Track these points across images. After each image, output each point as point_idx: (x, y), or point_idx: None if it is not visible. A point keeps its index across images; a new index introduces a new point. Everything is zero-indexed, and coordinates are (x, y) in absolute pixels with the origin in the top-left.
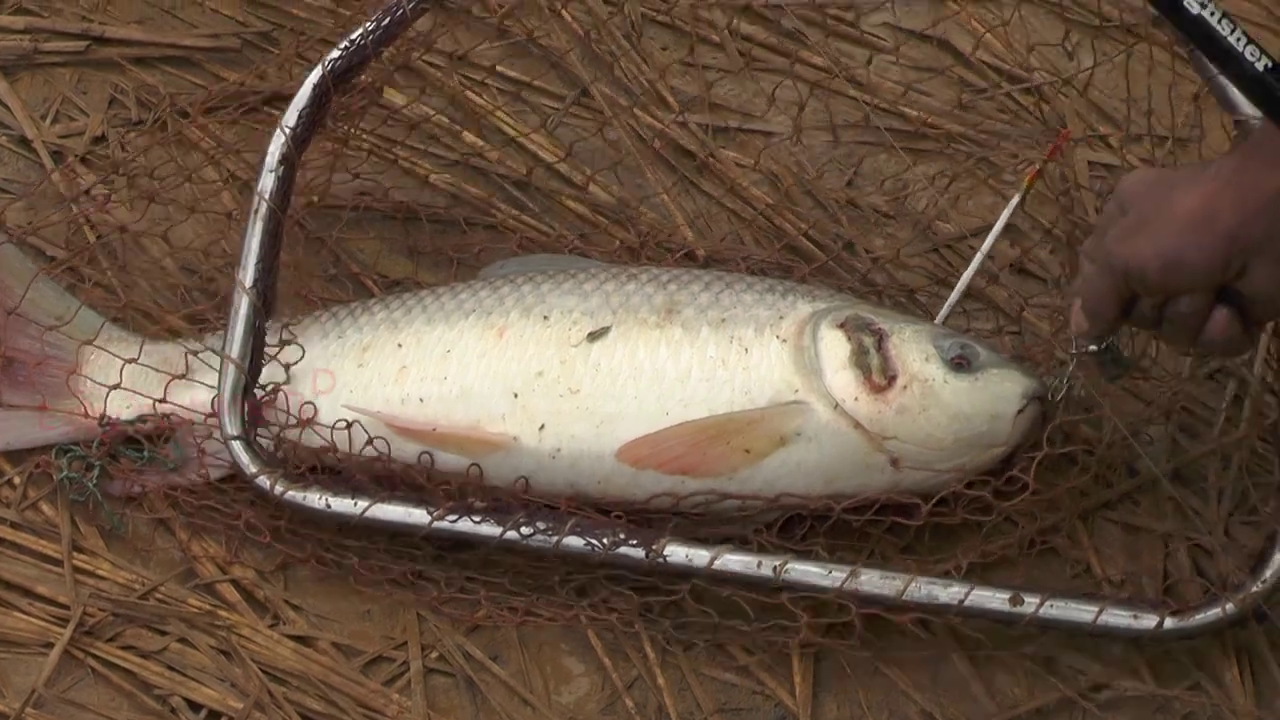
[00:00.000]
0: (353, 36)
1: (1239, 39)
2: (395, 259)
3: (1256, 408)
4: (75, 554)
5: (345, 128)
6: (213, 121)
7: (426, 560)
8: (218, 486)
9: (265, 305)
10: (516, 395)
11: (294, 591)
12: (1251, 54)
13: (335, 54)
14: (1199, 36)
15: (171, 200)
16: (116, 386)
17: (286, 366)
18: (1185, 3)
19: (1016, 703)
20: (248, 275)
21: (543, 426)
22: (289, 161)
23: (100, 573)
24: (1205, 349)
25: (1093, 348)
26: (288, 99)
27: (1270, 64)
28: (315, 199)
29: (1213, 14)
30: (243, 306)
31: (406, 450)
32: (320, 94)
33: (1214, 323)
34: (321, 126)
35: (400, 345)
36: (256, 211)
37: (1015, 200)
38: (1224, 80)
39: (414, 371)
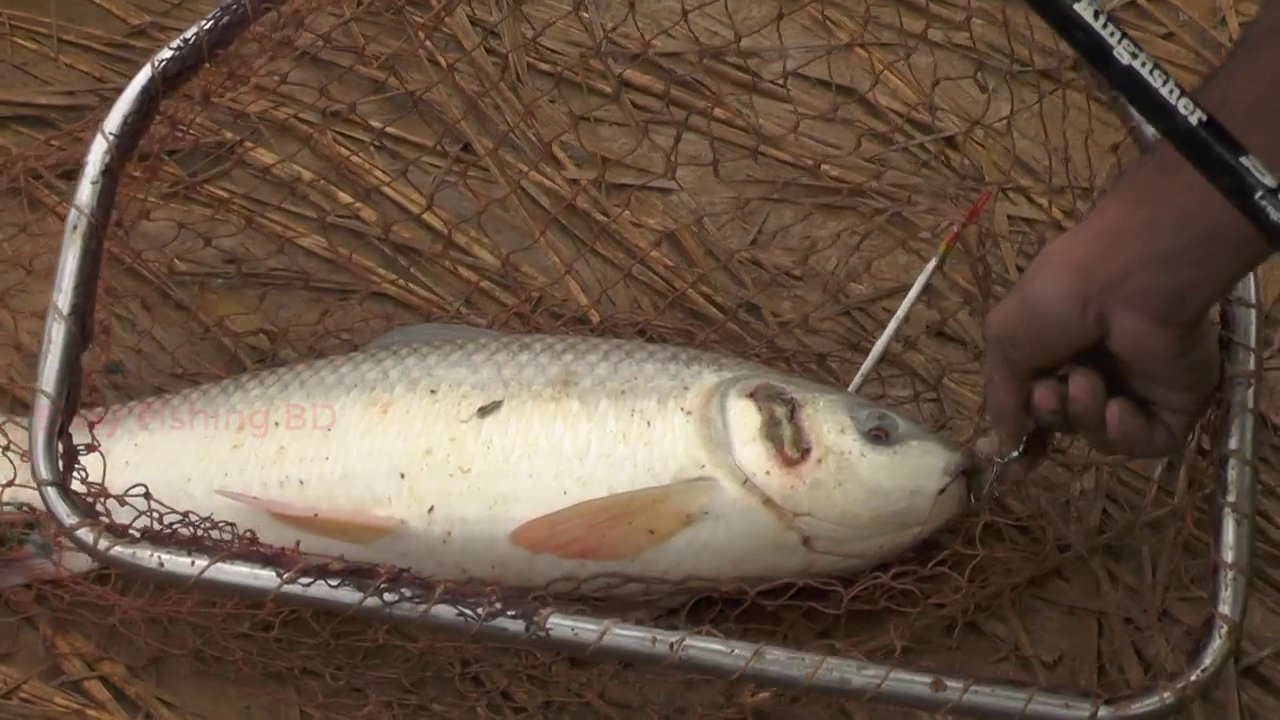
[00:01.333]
0: (186, 35)
1: (1172, 91)
2: (268, 330)
3: (1190, 477)
4: None
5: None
6: (62, 181)
7: (312, 651)
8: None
9: (83, 333)
10: (403, 475)
11: (167, 687)
12: (1185, 107)
13: (167, 53)
14: (1130, 89)
15: (28, 268)
16: None
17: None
18: (1115, 53)
19: None
20: (64, 299)
21: (432, 509)
22: (111, 172)
23: None
24: (1119, 447)
25: (1014, 454)
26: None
27: (1205, 118)
28: (179, 262)
29: (1144, 64)
30: (58, 334)
31: (286, 539)
32: (148, 97)
33: (1109, 414)
34: (147, 135)
35: (277, 424)
36: (75, 228)
37: (932, 264)
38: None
39: (293, 452)
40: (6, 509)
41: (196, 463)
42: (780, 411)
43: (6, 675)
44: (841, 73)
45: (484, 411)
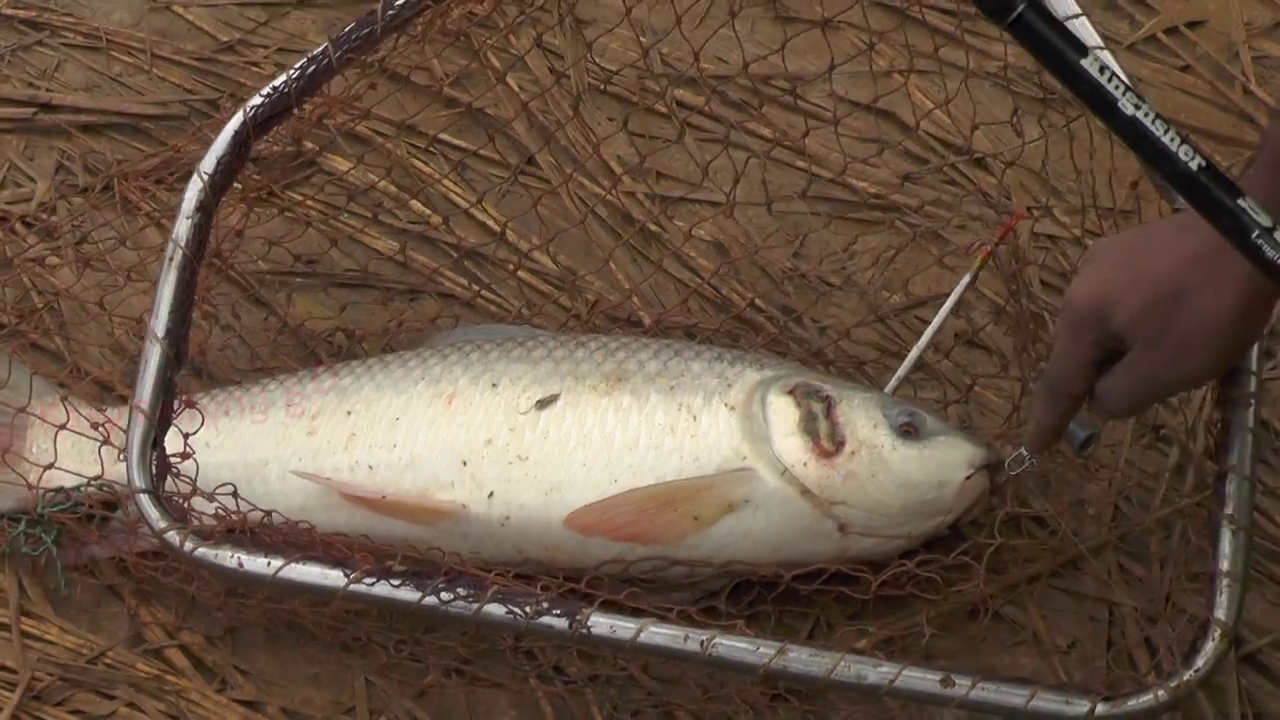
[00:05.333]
0: (275, 84)
1: (1173, 139)
2: (346, 329)
3: (1199, 476)
4: (23, 618)
5: (264, 180)
6: (156, 187)
7: (375, 622)
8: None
9: (177, 355)
10: (465, 463)
11: (242, 655)
12: (1185, 154)
13: (257, 100)
14: (1134, 137)
15: (118, 267)
16: (50, 466)
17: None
18: (1120, 105)
19: None
20: (160, 324)
21: (491, 494)
22: (205, 208)
23: (48, 637)
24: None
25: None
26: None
27: (1204, 163)
28: (261, 263)
29: (1146, 114)
30: (154, 356)
31: (355, 519)
32: (240, 141)
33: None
34: (240, 175)
35: (349, 413)
36: (171, 259)
37: (965, 280)
38: None
39: (363, 439)
40: (89, 489)
41: (274, 447)
42: (817, 407)
43: (93, 642)
44: (866, 92)
45: (542, 404)
